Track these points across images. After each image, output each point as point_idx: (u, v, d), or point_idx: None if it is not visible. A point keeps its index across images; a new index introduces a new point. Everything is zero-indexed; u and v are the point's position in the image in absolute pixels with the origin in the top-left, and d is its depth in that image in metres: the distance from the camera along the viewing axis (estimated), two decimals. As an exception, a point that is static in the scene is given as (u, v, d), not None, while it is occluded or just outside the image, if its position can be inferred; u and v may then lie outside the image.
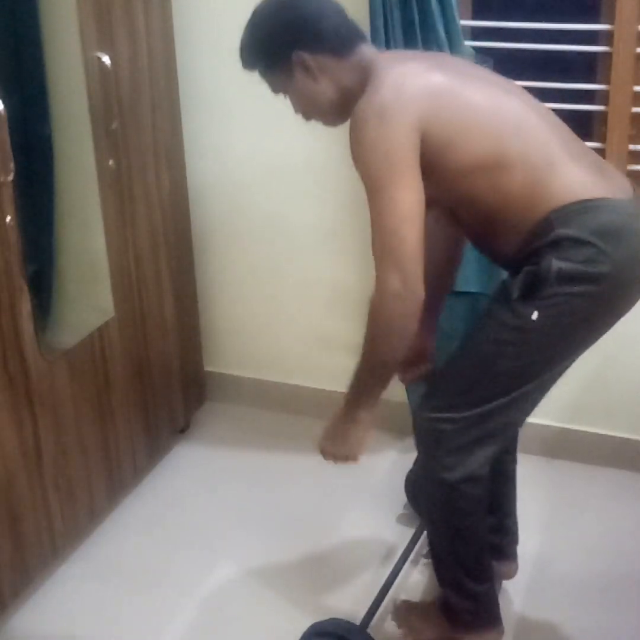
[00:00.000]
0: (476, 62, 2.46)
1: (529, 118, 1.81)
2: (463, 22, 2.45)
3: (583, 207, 1.75)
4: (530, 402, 1.92)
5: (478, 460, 1.91)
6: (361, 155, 1.74)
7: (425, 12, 2.34)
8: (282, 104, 2.75)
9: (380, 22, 2.37)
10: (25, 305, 2.11)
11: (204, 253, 2.95)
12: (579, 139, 1.91)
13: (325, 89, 1.86)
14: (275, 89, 1.94)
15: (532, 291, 1.75)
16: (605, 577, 2.35)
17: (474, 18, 2.60)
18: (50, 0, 2.19)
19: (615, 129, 2.49)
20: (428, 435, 1.92)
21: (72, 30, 2.19)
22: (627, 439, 2.73)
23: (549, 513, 2.58)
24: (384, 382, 1.87)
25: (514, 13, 2.52)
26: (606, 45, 2.44)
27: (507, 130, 1.78)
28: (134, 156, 2.48)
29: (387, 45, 2.38)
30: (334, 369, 3.00)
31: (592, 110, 2.57)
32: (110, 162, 2.36)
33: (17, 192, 2.03)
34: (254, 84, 2.79)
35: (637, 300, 1.86)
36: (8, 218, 2.02)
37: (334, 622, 2.12)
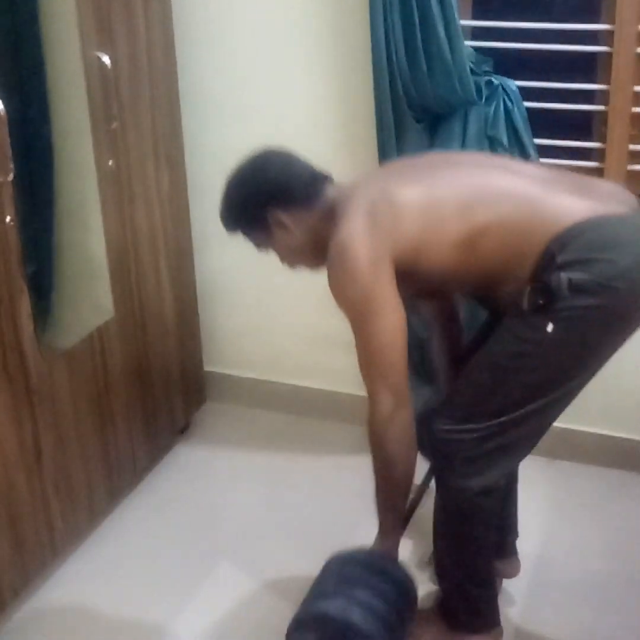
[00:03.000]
0: (476, 62, 2.46)
1: (492, 180, 1.88)
2: (463, 22, 2.45)
3: (578, 230, 1.76)
4: (548, 416, 1.92)
5: (493, 473, 1.92)
6: (340, 293, 1.86)
7: (425, 12, 2.34)
8: (282, 104, 2.76)
9: (380, 22, 2.36)
10: (25, 305, 2.11)
11: (204, 253, 2.95)
12: (552, 168, 1.97)
13: (301, 238, 1.98)
14: (259, 246, 2.06)
15: (545, 305, 1.76)
16: (605, 577, 2.35)
17: (474, 18, 2.60)
18: (50, 0, 2.18)
19: (615, 129, 2.49)
20: (445, 446, 1.92)
21: (72, 30, 2.19)
22: (627, 439, 2.74)
23: (549, 513, 2.58)
24: (406, 495, 2.00)
25: (514, 13, 2.52)
26: (606, 45, 2.44)
27: (470, 203, 1.83)
28: (134, 156, 2.47)
29: (388, 45, 2.38)
30: (333, 369, 3.00)
31: (592, 110, 2.57)
32: (110, 162, 2.36)
33: (17, 192, 2.03)
34: (254, 84, 2.80)
35: None
36: (8, 218, 2.02)
37: (362, 551, 2.04)
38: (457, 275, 1.87)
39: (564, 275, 1.72)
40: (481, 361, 1.91)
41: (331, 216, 1.92)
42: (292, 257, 2.06)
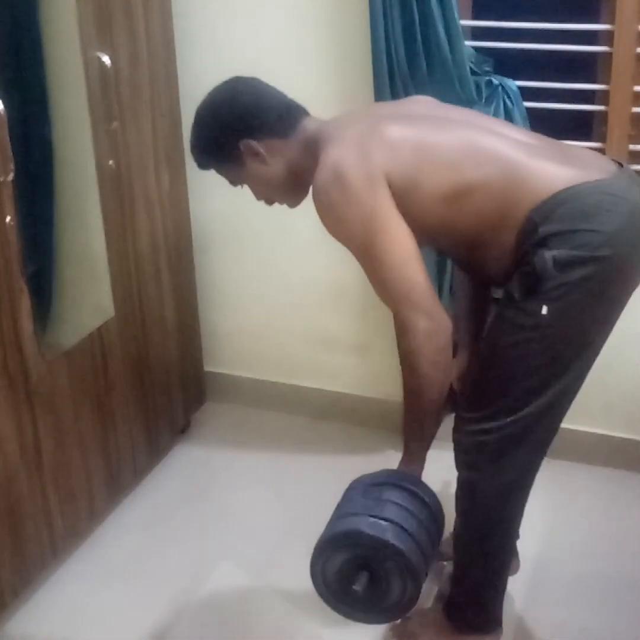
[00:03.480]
0: (476, 62, 2.46)
1: (478, 138, 1.84)
2: (463, 22, 2.45)
3: (560, 199, 1.74)
4: (565, 401, 1.89)
5: (521, 469, 1.91)
6: (336, 220, 1.78)
7: (425, 12, 2.34)
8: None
9: (380, 22, 2.36)
10: (25, 305, 2.11)
11: (204, 253, 2.95)
12: (535, 135, 1.93)
13: (277, 170, 1.92)
14: (233, 181, 2.00)
15: (534, 288, 1.74)
16: (605, 577, 2.35)
17: (474, 18, 2.60)
18: (50, 0, 2.18)
19: (615, 129, 2.49)
20: (471, 448, 1.89)
21: (72, 30, 2.19)
22: (627, 439, 2.74)
23: (549, 513, 2.57)
24: (438, 421, 1.92)
25: (514, 13, 2.52)
26: (606, 45, 2.44)
27: (459, 158, 1.81)
28: (134, 156, 2.47)
29: (388, 45, 2.38)
30: (334, 369, 3.01)
31: (592, 110, 2.57)
32: (110, 162, 2.36)
33: (17, 192, 2.03)
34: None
35: None
36: (8, 218, 2.02)
37: (388, 472, 1.95)
38: (444, 229, 1.83)
39: (548, 254, 1.71)
40: (486, 359, 1.89)
41: (311, 149, 1.86)
42: (267, 191, 1.98)
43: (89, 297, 2.49)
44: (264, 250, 2.96)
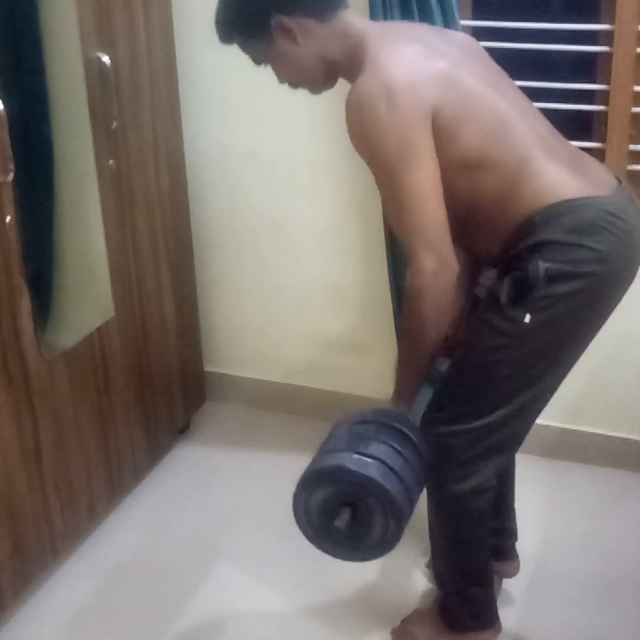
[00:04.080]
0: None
1: (512, 115, 1.80)
2: (463, 22, 2.45)
3: (563, 209, 1.74)
4: (534, 410, 1.91)
5: (486, 472, 1.91)
6: (369, 139, 1.68)
7: (425, 12, 2.34)
8: (282, 104, 2.75)
9: (380, 22, 2.37)
10: (25, 305, 2.11)
11: (204, 253, 2.95)
12: (555, 131, 1.90)
13: (308, 53, 1.80)
14: (257, 59, 1.87)
15: (521, 295, 1.74)
16: (605, 577, 2.35)
17: (474, 18, 2.60)
18: (50, 0, 2.18)
19: (615, 129, 2.49)
20: (438, 451, 1.89)
21: (72, 30, 2.19)
22: (627, 439, 2.73)
23: (549, 513, 2.58)
24: (429, 362, 1.87)
25: (514, 13, 2.52)
26: (606, 45, 2.44)
27: (494, 128, 1.76)
28: (134, 156, 2.47)
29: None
30: (334, 369, 3.01)
31: (592, 110, 2.57)
32: (110, 162, 2.36)
33: (17, 192, 2.04)
34: (254, 84, 2.80)
35: (626, 291, 1.84)
36: (8, 218, 2.02)
37: (373, 410, 1.90)
38: (446, 189, 1.76)
39: (542, 265, 1.71)
40: (463, 360, 1.88)
41: (352, 46, 1.76)
42: (293, 73, 1.85)
43: (89, 297, 2.49)
44: (264, 250, 2.96)
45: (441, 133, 1.70)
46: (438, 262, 1.72)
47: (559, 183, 1.77)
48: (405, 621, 2.18)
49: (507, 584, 2.29)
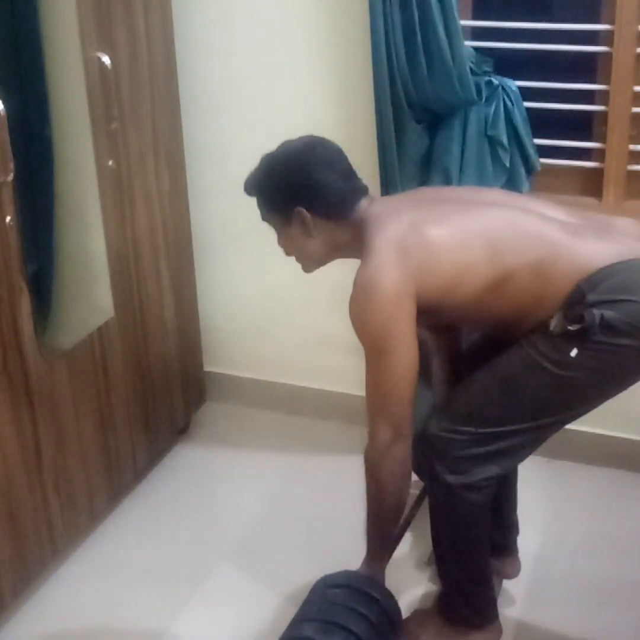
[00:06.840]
0: (476, 62, 2.46)
1: (520, 225, 1.87)
2: (463, 22, 2.44)
3: (605, 273, 1.78)
4: (543, 436, 1.94)
5: (483, 474, 1.92)
6: (361, 322, 1.83)
7: (425, 12, 2.34)
8: (282, 104, 2.76)
9: (380, 22, 2.36)
10: (25, 305, 2.11)
11: (204, 253, 2.95)
12: (586, 214, 1.97)
13: (316, 245, 1.96)
14: (269, 223, 2.02)
15: (574, 333, 1.77)
16: (605, 577, 2.36)
17: (474, 18, 2.60)
18: (50, 0, 2.18)
19: (615, 129, 2.49)
20: (440, 442, 1.92)
21: (72, 30, 2.19)
22: (627, 439, 2.73)
23: (549, 513, 2.58)
24: (396, 524, 2.02)
25: (514, 13, 2.52)
26: (606, 45, 2.44)
27: (498, 248, 1.83)
28: (134, 156, 2.47)
29: (388, 45, 2.38)
30: (334, 369, 3.00)
31: (592, 110, 2.57)
32: (110, 162, 2.36)
33: (17, 192, 2.03)
34: (254, 84, 2.80)
35: None
36: (8, 218, 2.02)
37: (347, 573, 2.06)
38: (479, 315, 1.89)
39: (596, 311, 1.75)
40: (494, 367, 1.90)
41: (357, 232, 1.90)
42: (296, 253, 2.03)
43: (89, 297, 2.49)
44: (263, 250, 2.95)
45: (438, 291, 1.82)
46: (394, 436, 1.86)
47: (594, 253, 1.82)
48: (406, 621, 2.18)
49: (507, 584, 2.30)
